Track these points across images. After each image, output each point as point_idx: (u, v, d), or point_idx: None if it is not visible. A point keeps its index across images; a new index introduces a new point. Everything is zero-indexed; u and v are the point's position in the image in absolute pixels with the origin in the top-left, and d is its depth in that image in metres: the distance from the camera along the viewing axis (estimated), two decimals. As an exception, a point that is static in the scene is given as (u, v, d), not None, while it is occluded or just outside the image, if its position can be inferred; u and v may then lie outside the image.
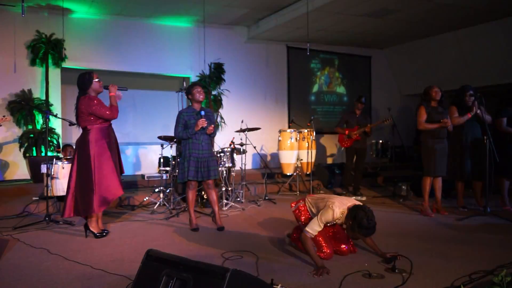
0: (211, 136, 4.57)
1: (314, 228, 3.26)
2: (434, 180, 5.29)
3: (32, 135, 6.86)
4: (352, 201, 3.38)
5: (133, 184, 6.95)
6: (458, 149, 5.44)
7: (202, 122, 4.32)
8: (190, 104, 4.58)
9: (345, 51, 10.37)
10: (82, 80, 4.11)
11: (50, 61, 7.24)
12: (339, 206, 3.26)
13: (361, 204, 3.25)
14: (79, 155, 4.06)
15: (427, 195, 5.27)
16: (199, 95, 4.47)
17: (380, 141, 9.31)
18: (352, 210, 3.18)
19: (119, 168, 4.27)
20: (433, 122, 5.13)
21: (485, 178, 5.25)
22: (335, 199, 3.38)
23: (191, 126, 4.37)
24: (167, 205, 5.61)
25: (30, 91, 7.15)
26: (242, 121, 6.65)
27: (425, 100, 5.27)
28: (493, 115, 5.62)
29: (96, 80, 4.11)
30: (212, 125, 4.47)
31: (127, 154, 8.15)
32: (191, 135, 4.37)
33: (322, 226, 3.29)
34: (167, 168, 6.04)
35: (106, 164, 4.03)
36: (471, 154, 5.41)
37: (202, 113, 4.39)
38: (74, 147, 4.82)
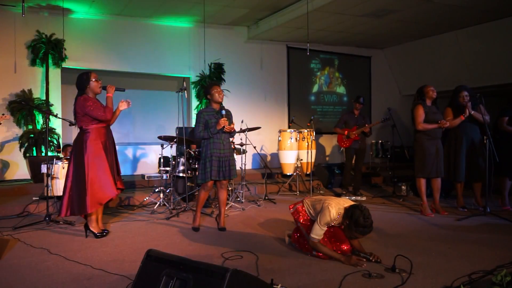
0: (231, 135, 4.56)
1: (318, 233, 3.34)
2: (432, 181, 5.29)
3: (32, 135, 6.86)
4: (348, 201, 3.43)
5: (133, 184, 6.95)
6: (452, 151, 5.42)
7: (224, 121, 4.29)
8: (209, 104, 4.54)
9: (345, 51, 10.37)
10: (80, 80, 4.12)
11: (50, 61, 7.24)
12: (335, 206, 3.32)
13: (357, 203, 3.29)
14: (75, 155, 4.07)
15: (425, 196, 5.27)
16: (219, 95, 4.42)
17: (380, 141, 9.31)
18: (348, 209, 3.23)
19: (116, 169, 4.27)
20: (429, 122, 5.10)
21: (483, 179, 5.24)
22: (331, 200, 3.44)
23: (212, 126, 4.33)
24: (167, 205, 5.61)
25: (30, 91, 7.15)
26: (242, 121, 6.66)
27: (421, 99, 5.24)
28: (496, 115, 5.60)
29: (94, 80, 4.11)
30: (233, 123, 4.46)
31: (127, 154, 8.16)
32: (213, 134, 4.34)
33: (325, 229, 3.36)
34: (167, 168, 6.04)
35: (100, 164, 4.02)
36: (467, 156, 5.37)
37: (223, 112, 4.36)
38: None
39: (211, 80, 8.37)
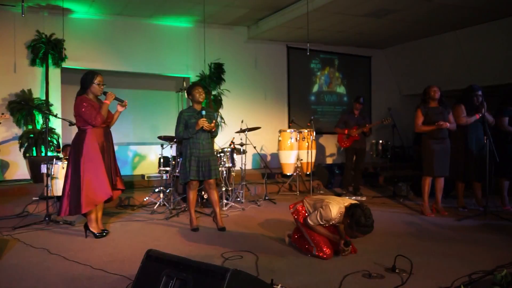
0: (213, 135, 4.57)
1: (314, 221, 3.42)
2: (436, 181, 5.29)
3: (32, 135, 6.85)
4: (348, 200, 3.44)
5: (133, 184, 6.94)
6: (461, 150, 5.42)
7: (203, 122, 4.33)
8: (191, 104, 4.59)
9: (345, 51, 10.37)
10: (84, 78, 4.12)
11: (50, 61, 7.23)
12: (336, 205, 3.33)
13: (358, 202, 3.30)
14: (72, 156, 4.09)
15: (427, 195, 5.27)
16: (199, 95, 4.47)
17: (380, 141, 9.31)
18: (350, 208, 3.23)
19: (115, 171, 4.26)
20: (431, 122, 5.12)
21: (484, 179, 5.24)
22: (332, 199, 3.45)
23: (192, 126, 4.38)
24: (167, 205, 5.61)
25: (30, 91, 7.14)
26: (242, 121, 6.66)
27: (423, 101, 5.27)
28: (493, 115, 5.61)
29: (97, 83, 4.09)
30: (214, 121, 4.46)
31: (127, 154, 8.15)
32: (192, 135, 4.38)
33: (322, 223, 3.40)
34: (167, 168, 6.04)
35: (96, 165, 4.01)
36: (475, 156, 5.38)
37: (203, 112, 4.40)
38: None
39: (211, 80, 8.37)
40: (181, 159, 5.98)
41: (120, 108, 4.30)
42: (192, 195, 4.55)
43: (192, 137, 4.40)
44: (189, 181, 4.46)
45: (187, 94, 4.59)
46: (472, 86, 5.41)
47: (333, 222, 3.38)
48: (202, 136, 4.43)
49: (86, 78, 4.11)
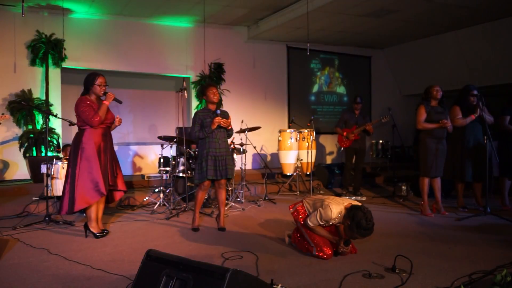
0: (228, 134, 4.57)
1: (314, 222, 3.42)
2: (432, 181, 5.29)
3: (32, 135, 6.86)
4: (347, 200, 3.43)
5: (132, 184, 6.94)
6: (459, 151, 5.40)
7: (219, 120, 4.34)
8: (205, 105, 4.60)
9: (345, 51, 10.37)
10: (86, 79, 4.18)
11: (50, 61, 7.24)
12: (336, 206, 3.32)
13: (359, 204, 3.29)
14: (71, 155, 4.12)
15: (426, 195, 5.27)
16: (213, 96, 4.48)
17: (380, 141, 9.31)
18: (350, 210, 3.22)
19: (113, 172, 4.26)
20: (432, 121, 5.12)
21: (485, 180, 5.24)
22: (331, 199, 3.45)
23: (208, 125, 4.38)
24: (167, 205, 5.61)
25: (30, 91, 7.15)
26: (242, 121, 6.65)
27: (425, 99, 5.27)
28: (496, 115, 5.59)
29: (98, 84, 4.13)
30: (229, 119, 4.49)
31: (127, 154, 8.15)
32: (208, 134, 4.38)
33: (322, 223, 3.40)
34: (167, 168, 6.04)
35: (91, 165, 4.02)
36: (473, 156, 5.37)
37: (218, 112, 4.43)
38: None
39: (211, 80, 8.37)
40: (180, 159, 6.02)
41: (116, 123, 4.35)
42: (201, 195, 4.54)
43: (208, 137, 4.40)
44: (203, 181, 4.44)
45: (201, 95, 4.61)
46: (468, 86, 5.39)
47: (333, 222, 3.38)
48: (219, 135, 4.43)
49: (88, 79, 4.17)
